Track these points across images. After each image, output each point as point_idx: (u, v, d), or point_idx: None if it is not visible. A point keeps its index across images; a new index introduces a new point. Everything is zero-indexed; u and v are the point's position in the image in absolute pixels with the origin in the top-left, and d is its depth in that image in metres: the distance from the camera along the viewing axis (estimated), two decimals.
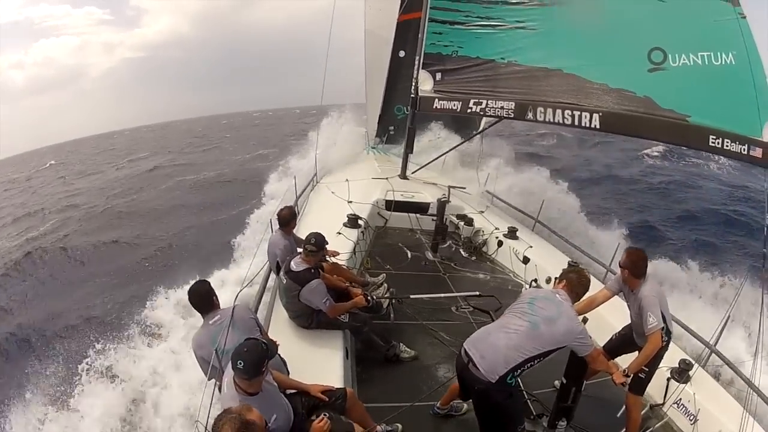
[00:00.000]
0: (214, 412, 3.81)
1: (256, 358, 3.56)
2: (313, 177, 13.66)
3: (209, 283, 4.94)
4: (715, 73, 7.57)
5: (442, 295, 7.74)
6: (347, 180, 12.15)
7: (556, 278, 5.03)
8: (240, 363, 3.51)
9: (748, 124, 7.14)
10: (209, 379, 4.51)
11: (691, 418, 5.59)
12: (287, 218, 7.12)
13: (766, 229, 5.66)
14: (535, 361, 4.18)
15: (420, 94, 12.00)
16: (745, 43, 7.24)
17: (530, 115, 9.91)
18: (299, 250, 6.22)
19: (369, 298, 6.52)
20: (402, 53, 15.66)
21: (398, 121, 16.49)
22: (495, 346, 4.18)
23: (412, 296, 7.35)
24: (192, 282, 5.00)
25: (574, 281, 4.62)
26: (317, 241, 5.94)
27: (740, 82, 7.28)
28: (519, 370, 4.14)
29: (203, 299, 4.79)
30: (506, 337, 4.20)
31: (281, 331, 6.03)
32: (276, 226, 7.31)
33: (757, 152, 7.02)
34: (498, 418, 4.34)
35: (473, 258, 10.52)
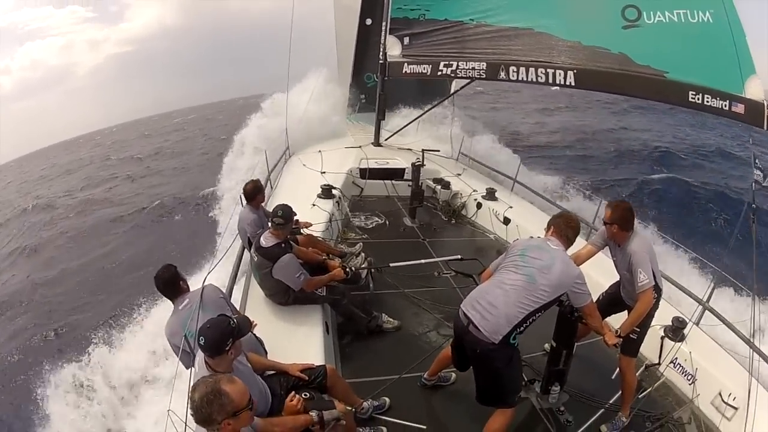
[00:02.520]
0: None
1: (218, 335, 3.38)
2: (285, 150, 13.46)
3: (175, 267, 4.68)
4: (692, 30, 7.49)
5: (423, 261, 7.56)
6: (320, 151, 11.96)
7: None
8: (201, 339, 3.37)
9: (728, 80, 7.06)
10: (187, 368, 4.33)
11: (689, 377, 5.49)
12: (252, 192, 6.85)
13: (752, 184, 5.53)
14: (537, 315, 4.00)
15: (388, 59, 11.83)
16: (724, 1, 7.12)
17: (502, 75, 9.79)
18: (270, 224, 5.98)
19: (347, 269, 6.32)
20: (369, 21, 15.44)
21: (369, 89, 16.29)
22: (494, 305, 3.99)
23: (391, 264, 7.15)
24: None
25: (562, 225, 4.42)
26: (284, 213, 5.65)
27: (718, 40, 7.20)
28: (521, 327, 3.97)
29: (168, 285, 4.57)
30: (503, 294, 4.02)
31: (258, 309, 5.84)
32: (245, 201, 7.05)
33: (740, 108, 6.96)
34: (496, 384, 4.18)
35: (453, 221, 10.42)
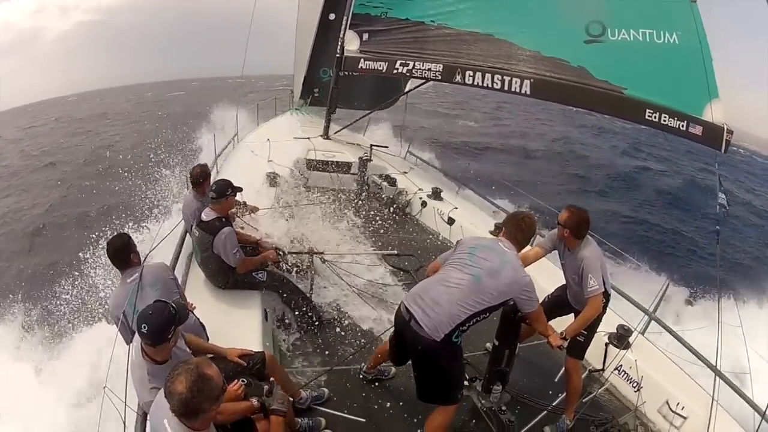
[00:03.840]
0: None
1: (161, 323, 3.26)
2: (233, 136, 13.30)
3: (128, 236, 4.53)
4: (656, 50, 7.58)
5: (361, 252, 7.54)
6: (268, 140, 11.83)
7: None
8: (144, 327, 3.21)
9: (688, 102, 7.20)
10: (127, 344, 4.14)
11: (635, 384, 5.54)
12: (198, 177, 6.56)
13: (718, 207, 5.63)
14: (481, 316, 3.92)
15: (345, 54, 11.76)
16: (696, 25, 7.22)
17: (458, 78, 9.79)
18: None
19: (280, 251, 6.31)
20: (332, 16, 15.12)
21: (323, 83, 16.06)
22: (437, 302, 3.89)
23: (328, 253, 7.09)
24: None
25: (512, 227, 4.32)
26: (217, 188, 5.60)
27: (683, 62, 7.34)
28: (465, 326, 3.88)
29: (118, 254, 4.38)
30: (447, 291, 3.91)
31: (197, 292, 5.75)
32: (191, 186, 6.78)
33: (697, 129, 7.10)
34: (438, 381, 4.09)
35: (396, 218, 10.35)
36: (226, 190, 5.70)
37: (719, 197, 5.59)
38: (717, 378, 4.93)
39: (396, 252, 7.46)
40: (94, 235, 13.37)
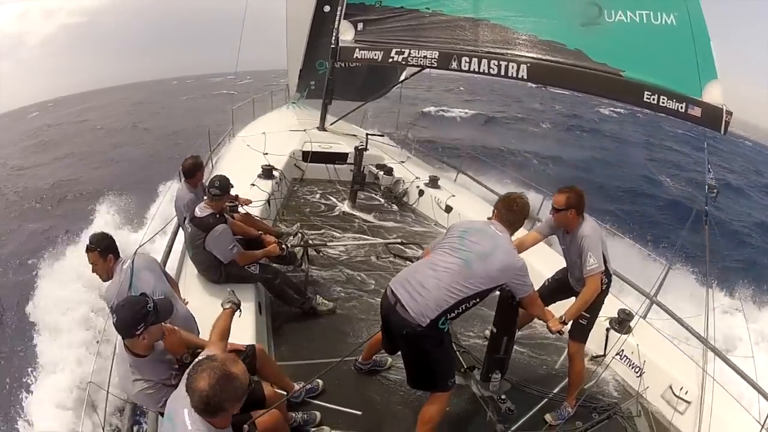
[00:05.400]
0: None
1: (128, 317, 3.11)
2: (228, 131, 13.30)
3: None
4: (653, 31, 7.50)
5: (361, 241, 7.46)
6: (264, 133, 11.76)
7: None
8: (114, 317, 3.10)
9: (686, 83, 7.09)
10: None
11: (637, 370, 5.43)
12: (191, 169, 6.39)
13: (707, 187, 5.55)
14: (470, 303, 3.77)
15: (340, 44, 11.71)
16: (687, 5, 7.16)
17: (454, 65, 9.59)
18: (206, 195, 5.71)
19: (283, 245, 6.15)
20: (327, 8, 15.03)
21: (319, 75, 15.88)
22: (424, 286, 3.74)
23: (329, 243, 6.99)
24: None
25: (502, 209, 4.14)
26: (221, 184, 5.47)
27: (680, 43, 7.20)
28: (452, 313, 3.73)
29: (112, 243, 4.28)
30: (435, 275, 3.76)
31: (191, 286, 5.69)
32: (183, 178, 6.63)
33: (696, 111, 6.99)
34: (426, 368, 3.96)
35: (393, 207, 10.32)
36: (229, 186, 5.64)
37: (708, 178, 5.53)
38: (709, 355, 4.93)
39: (400, 240, 7.33)
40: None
